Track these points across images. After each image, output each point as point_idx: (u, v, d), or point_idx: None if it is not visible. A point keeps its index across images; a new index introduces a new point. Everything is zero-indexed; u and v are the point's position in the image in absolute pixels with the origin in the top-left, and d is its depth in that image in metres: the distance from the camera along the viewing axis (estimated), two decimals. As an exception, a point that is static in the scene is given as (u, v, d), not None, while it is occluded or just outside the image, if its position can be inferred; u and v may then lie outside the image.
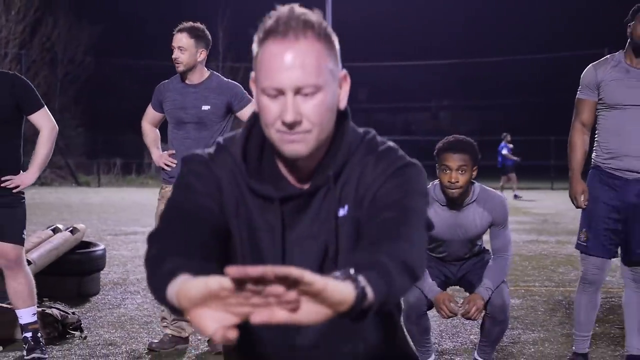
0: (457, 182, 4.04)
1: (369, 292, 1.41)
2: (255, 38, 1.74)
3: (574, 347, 4.59)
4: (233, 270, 1.22)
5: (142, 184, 36.26)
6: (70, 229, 6.97)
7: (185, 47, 4.99)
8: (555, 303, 6.76)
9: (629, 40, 4.34)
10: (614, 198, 4.34)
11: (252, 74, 1.78)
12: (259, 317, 1.26)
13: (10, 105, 4.79)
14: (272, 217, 1.83)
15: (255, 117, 1.84)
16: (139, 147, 43.09)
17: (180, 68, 5.03)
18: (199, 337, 5.32)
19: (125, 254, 9.83)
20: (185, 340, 5.15)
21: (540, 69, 53.59)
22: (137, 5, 58.27)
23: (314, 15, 1.72)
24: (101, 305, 6.54)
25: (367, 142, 1.84)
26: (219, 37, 43.73)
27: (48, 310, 5.29)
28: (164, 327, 5.13)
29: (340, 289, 1.31)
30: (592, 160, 4.50)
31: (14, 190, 4.85)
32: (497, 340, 4.28)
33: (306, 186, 1.83)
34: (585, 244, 4.44)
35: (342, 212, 1.81)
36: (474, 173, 4.12)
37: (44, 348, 4.88)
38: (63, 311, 5.50)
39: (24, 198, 4.96)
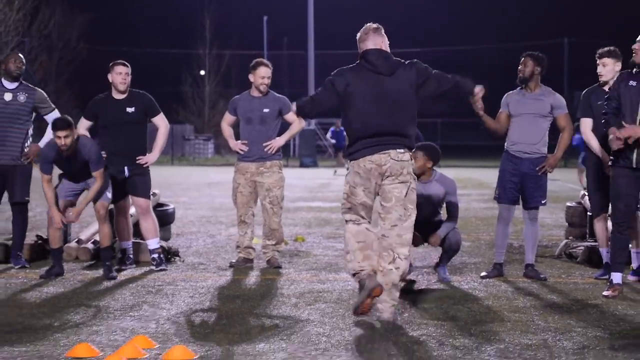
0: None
1: None
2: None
3: (494, 259, 7.50)
4: None
5: (137, 163, 38.83)
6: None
7: (270, 76, 7.82)
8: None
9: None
10: (514, 169, 7.28)
11: None
12: None
13: (143, 112, 7.66)
14: None
15: None
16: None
17: (266, 89, 7.84)
18: (261, 259, 8.15)
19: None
20: (252, 260, 8.01)
21: (506, 56, 56.59)
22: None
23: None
24: (178, 246, 9.33)
25: None
26: (206, 25, 46.33)
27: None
28: (238, 252, 7.98)
29: None
30: (504, 147, 7.39)
31: (144, 165, 7.70)
32: (450, 257, 7.36)
33: None
34: (498, 196, 7.41)
35: None
36: (428, 164, 7.02)
37: (165, 264, 7.74)
38: (166, 243, 8.34)
39: (149, 170, 7.81)
